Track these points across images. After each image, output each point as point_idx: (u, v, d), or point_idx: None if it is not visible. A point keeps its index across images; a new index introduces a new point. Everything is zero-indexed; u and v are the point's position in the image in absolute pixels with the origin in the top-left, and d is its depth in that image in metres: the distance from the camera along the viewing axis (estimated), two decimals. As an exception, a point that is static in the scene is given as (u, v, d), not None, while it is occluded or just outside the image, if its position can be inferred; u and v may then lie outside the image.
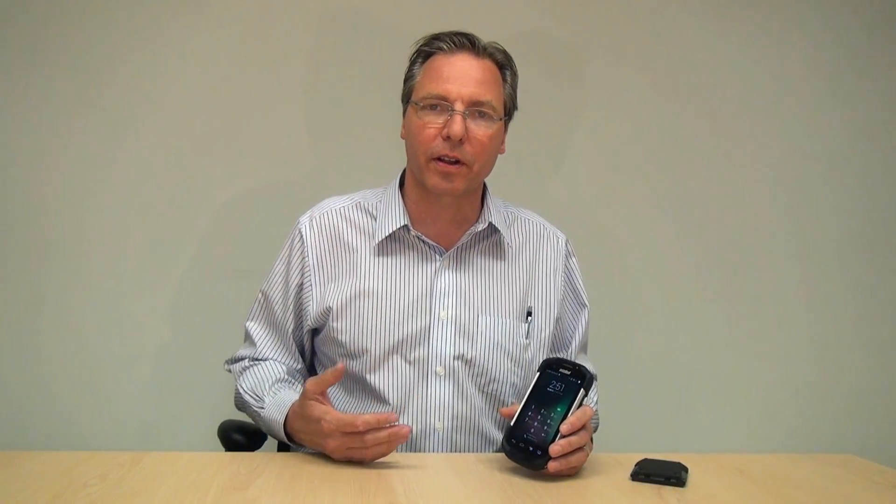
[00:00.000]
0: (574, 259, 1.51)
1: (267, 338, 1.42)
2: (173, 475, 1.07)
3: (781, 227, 2.14)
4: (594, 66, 2.06)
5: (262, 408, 1.29)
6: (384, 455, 1.14)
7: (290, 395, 1.27)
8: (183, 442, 1.90)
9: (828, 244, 2.16)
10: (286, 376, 1.37)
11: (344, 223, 1.41)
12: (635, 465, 1.16)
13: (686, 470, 1.16)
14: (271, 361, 1.40)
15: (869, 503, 1.12)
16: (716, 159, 2.11)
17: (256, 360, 1.42)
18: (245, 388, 1.36)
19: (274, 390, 1.31)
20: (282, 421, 1.23)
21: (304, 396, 1.18)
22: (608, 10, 2.05)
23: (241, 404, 1.40)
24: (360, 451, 1.13)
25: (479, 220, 1.40)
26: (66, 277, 1.87)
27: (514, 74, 1.39)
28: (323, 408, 1.15)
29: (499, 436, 1.38)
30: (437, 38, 1.35)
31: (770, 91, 2.13)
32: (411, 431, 1.22)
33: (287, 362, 1.42)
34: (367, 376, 1.34)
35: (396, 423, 1.12)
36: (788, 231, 2.15)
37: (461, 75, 1.30)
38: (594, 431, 1.43)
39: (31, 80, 1.84)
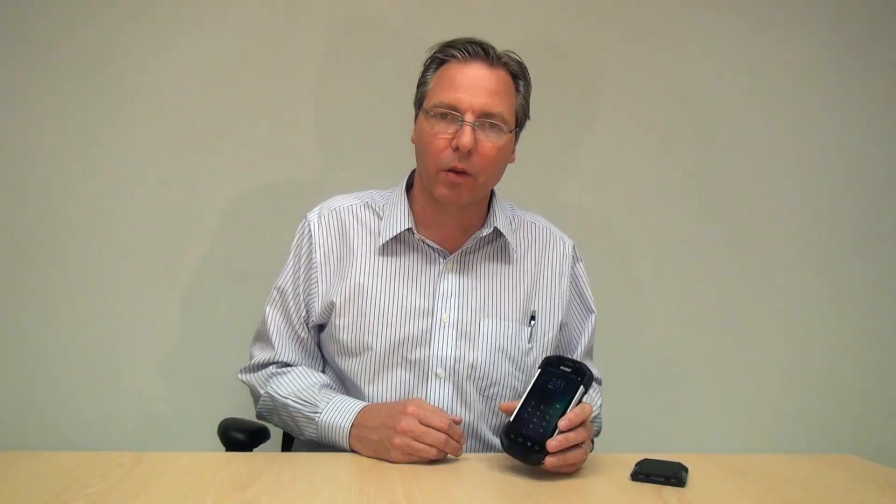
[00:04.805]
0: (581, 264, 1.50)
1: (286, 337, 1.40)
2: (173, 475, 1.07)
3: (783, 231, 2.15)
4: (605, 71, 2.06)
5: (318, 413, 1.27)
6: (438, 456, 1.17)
7: (349, 400, 1.28)
8: (183, 441, 1.90)
9: (828, 246, 2.16)
10: (332, 382, 1.37)
11: (352, 221, 1.41)
12: (635, 465, 1.16)
13: (686, 470, 1.16)
14: (304, 367, 1.39)
15: (869, 503, 1.12)
16: (724, 166, 2.12)
17: (281, 365, 1.40)
18: (284, 394, 1.33)
19: (324, 395, 1.30)
20: (348, 426, 1.23)
21: (413, 402, 1.21)
22: (619, 17, 2.05)
23: (268, 410, 1.38)
24: (425, 448, 1.16)
25: (485, 225, 1.39)
26: (67, 277, 1.87)
27: (528, 85, 1.37)
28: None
29: (497, 442, 1.37)
30: (451, 45, 1.33)
31: (781, 98, 2.13)
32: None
33: (308, 364, 1.41)
34: (367, 375, 1.34)
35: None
36: (790, 234, 2.15)
37: (473, 85, 1.29)
38: (596, 435, 1.43)
39: (34, 79, 1.83)
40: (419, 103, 1.37)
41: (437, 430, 1.17)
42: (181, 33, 1.89)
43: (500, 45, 1.34)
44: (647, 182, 2.09)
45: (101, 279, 1.88)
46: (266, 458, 1.17)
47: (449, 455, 1.19)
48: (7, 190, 1.85)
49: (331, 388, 1.35)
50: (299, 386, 1.33)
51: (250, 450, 1.44)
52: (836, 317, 2.17)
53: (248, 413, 1.47)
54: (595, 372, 1.51)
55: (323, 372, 1.45)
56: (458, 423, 1.21)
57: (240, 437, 1.44)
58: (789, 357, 2.16)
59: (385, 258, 1.38)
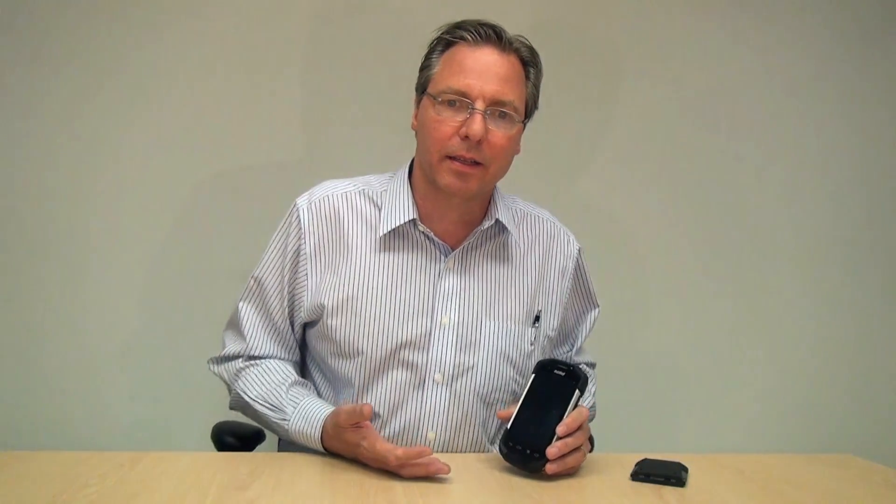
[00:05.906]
0: (584, 261, 1.46)
1: (260, 329, 1.34)
2: (173, 475, 1.07)
3: (784, 232, 2.14)
4: (615, 62, 2.04)
5: (287, 420, 1.23)
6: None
7: (315, 403, 1.22)
8: (178, 444, 1.89)
9: (828, 246, 2.16)
10: (298, 377, 1.31)
11: (346, 209, 1.32)
12: (635, 465, 1.16)
13: (686, 470, 1.16)
14: (274, 360, 1.33)
15: (867, 503, 1.13)
16: (733, 166, 2.11)
17: (252, 357, 1.34)
18: (253, 396, 1.29)
19: (292, 397, 1.25)
20: (318, 436, 1.18)
21: (339, 426, 1.13)
22: (634, 10, 2.03)
23: (241, 407, 1.34)
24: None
25: (486, 218, 1.32)
26: (63, 277, 1.86)
27: (539, 73, 1.30)
28: (361, 433, 1.12)
29: (495, 448, 1.33)
30: (460, 26, 1.25)
31: (793, 99, 2.12)
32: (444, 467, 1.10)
33: (283, 356, 1.35)
34: (360, 379, 1.29)
35: (431, 457, 1.08)
36: (791, 234, 2.15)
37: (484, 71, 1.21)
38: (590, 420, 1.43)
39: (27, 78, 1.82)
40: (422, 87, 1.29)
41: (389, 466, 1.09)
42: (167, 24, 1.86)
43: (507, 28, 1.28)
44: (655, 180, 2.08)
45: (99, 279, 1.88)
46: (266, 458, 1.17)
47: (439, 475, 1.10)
48: None
49: (300, 385, 1.29)
50: (268, 387, 1.28)
51: (249, 450, 1.44)
52: (836, 317, 2.17)
53: (243, 416, 1.45)
54: (589, 357, 1.52)
55: (303, 367, 1.40)
56: (423, 453, 1.08)
57: (233, 441, 1.42)
58: (789, 357, 2.16)
59: (382, 254, 1.30)
